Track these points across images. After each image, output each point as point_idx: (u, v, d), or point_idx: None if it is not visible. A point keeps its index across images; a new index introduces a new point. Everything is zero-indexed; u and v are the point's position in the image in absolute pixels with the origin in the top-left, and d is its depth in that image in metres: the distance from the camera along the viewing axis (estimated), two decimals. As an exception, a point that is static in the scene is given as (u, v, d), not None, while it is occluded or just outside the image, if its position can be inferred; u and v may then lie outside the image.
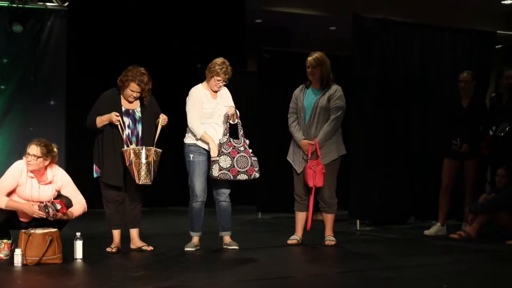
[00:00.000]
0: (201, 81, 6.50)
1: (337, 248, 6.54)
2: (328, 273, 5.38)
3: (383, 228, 8.12)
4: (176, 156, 7.90)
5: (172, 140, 6.97)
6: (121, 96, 6.29)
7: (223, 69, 6.31)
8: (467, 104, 7.68)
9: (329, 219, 6.73)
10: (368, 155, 8.13)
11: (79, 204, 5.90)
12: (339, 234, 6.90)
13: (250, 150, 6.32)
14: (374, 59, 8.19)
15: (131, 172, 6.06)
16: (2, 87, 11.90)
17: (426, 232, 7.60)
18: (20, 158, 5.89)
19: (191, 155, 6.32)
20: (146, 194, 6.39)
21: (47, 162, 5.84)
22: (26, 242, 5.49)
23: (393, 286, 4.76)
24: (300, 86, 6.86)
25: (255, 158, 6.33)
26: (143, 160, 6.03)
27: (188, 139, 6.37)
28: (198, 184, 6.32)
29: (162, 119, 6.24)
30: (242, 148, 6.27)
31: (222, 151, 6.19)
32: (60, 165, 6.10)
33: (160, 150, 6.18)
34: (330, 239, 6.67)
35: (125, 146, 6.12)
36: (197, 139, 6.30)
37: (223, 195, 6.42)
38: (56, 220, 5.66)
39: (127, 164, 6.05)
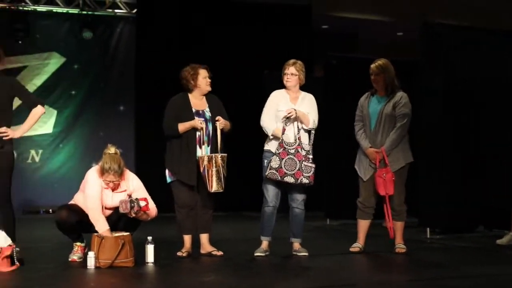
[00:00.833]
0: (268, 87, 6.54)
1: (407, 256, 6.46)
2: (398, 281, 5.33)
3: (453, 236, 7.98)
4: (250, 162, 7.94)
5: (248, 146, 6.99)
6: (190, 99, 6.38)
7: (289, 62, 6.39)
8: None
9: (398, 226, 6.66)
10: (436, 162, 8.01)
11: (154, 207, 6.00)
12: (409, 242, 6.82)
13: (310, 157, 6.28)
14: (442, 64, 8.08)
15: (204, 179, 6.15)
16: (73, 92, 12.19)
17: (498, 241, 7.42)
18: (90, 162, 5.99)
19: (265, 161, 6.35)
20: (219, 199, 6.44)
21: (122, 176, 5.95)
22: (99, 245, 5.61)
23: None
24: (366, 94, 6.80)
25: (310, 164, 6.25)
26: (214, 168, 6.10)
27: (266, 145, 6.42)
28: (271, 189, 6.36)
29: (219, 123, 6.30)
30: (292, 151, 6.24)
31: (275, 151, 6.22)
32: (129, 170, 6.18)
33: (225, 155, 6.23)
34: (400, 246, 6.61)
35: (197, 147, 6.22)
36: (270, 140, 6.34)
37: (297, 201, 6.43)
38: (134, 217, 5.77)
39: (201, 171, 6.14)
